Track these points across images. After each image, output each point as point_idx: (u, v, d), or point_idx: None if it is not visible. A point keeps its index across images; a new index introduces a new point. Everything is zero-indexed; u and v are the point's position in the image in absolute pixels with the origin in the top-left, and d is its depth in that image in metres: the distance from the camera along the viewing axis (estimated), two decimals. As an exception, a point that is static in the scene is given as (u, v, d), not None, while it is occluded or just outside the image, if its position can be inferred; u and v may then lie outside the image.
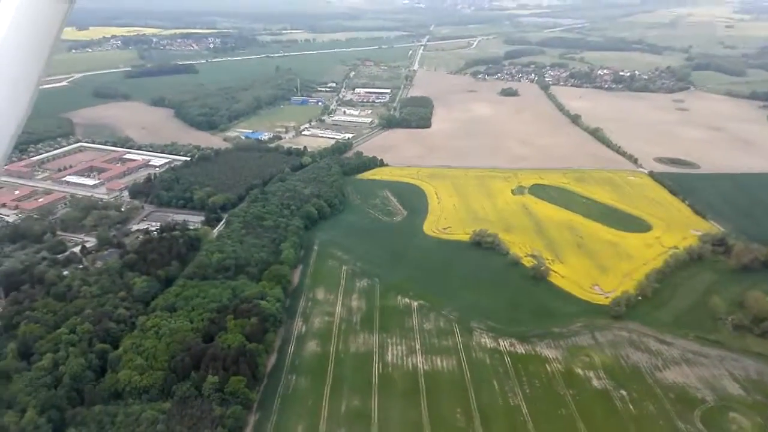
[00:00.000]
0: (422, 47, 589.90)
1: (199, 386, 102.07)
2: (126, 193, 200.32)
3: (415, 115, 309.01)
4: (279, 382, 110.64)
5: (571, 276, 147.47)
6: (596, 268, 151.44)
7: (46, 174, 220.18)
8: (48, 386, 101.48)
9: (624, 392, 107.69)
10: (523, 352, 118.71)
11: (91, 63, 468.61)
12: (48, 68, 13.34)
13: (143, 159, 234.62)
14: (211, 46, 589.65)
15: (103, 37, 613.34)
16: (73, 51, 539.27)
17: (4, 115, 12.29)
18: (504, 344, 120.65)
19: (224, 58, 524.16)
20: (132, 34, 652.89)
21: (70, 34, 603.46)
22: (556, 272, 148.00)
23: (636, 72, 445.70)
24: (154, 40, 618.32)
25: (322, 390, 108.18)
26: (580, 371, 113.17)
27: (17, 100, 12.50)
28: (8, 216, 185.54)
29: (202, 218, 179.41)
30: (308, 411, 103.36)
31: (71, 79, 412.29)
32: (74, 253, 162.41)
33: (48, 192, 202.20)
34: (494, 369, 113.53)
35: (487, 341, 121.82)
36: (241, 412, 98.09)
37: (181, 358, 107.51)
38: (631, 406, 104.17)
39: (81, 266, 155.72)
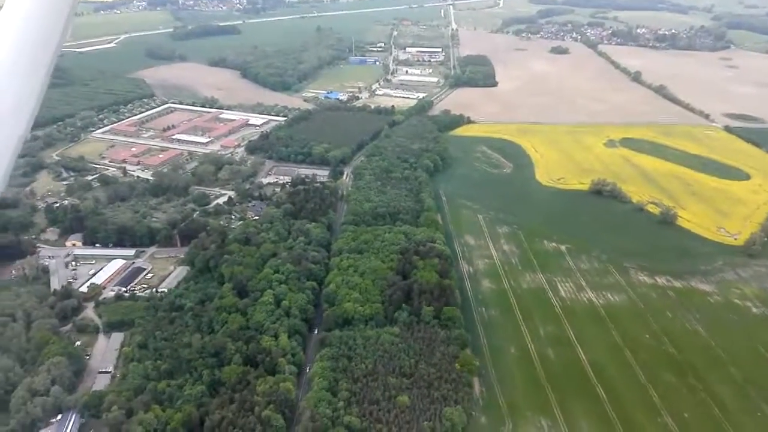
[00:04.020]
0: (452, 6, 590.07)
1: (417, 314, 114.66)
2: (241, 150, 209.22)
3: (479, 73, 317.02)
4: (472, 312, 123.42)
5: (694, 220, 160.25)
6: (716, 213, 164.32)
7: (152, 133, 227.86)
8: (284, 316, 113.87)
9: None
10: (681, 286, 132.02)
11: (129, 24, 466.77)
12: (57, 54, 13.39)
13: (242, 119, 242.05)
14: (240, 6, 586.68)
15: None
16: (101, 12, 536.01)
17: (21, 102, 12.81)
18: (661, 280, 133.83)
19: (259, 20, 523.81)
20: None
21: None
22: (681, 217, 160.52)
23: (673, 30, 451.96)
24: (180, 1, 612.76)
25: (515, 318, 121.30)
26: (737, 301, 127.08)
27: (32, 87, 12.96)
28: (134, 171, 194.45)
29: (327, 171, 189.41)
30: (511, 335, 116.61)
31: (118, 40, 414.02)
32: (219, 204, 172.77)
33: (163, 149, 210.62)
34: (662, 301, 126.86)
35: (645, 278, 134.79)
36: (465, 334, 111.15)
37: (392, 291, 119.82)
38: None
39: (233, 216, 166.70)
